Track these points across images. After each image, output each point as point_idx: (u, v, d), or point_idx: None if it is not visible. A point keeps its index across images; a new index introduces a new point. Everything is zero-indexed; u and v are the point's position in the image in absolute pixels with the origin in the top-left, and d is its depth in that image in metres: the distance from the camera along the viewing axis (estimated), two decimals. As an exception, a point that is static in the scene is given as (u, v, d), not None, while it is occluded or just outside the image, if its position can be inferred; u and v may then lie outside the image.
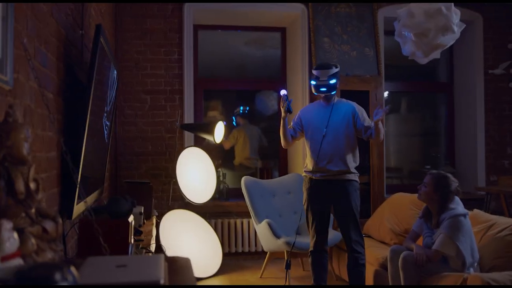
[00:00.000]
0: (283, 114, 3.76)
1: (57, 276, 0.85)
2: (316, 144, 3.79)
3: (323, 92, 3.77)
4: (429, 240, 3.33)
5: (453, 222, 3.20)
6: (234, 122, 6.05)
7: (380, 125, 3.63)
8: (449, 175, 3.41)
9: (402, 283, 3.24)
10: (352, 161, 3.79)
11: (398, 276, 3.31)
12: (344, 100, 3.93)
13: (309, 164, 3.86)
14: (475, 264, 3.23)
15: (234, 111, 6.08)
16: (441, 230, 3.23)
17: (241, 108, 6.12)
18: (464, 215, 3.25)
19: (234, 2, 5.38)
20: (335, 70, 3.76)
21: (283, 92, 3.78)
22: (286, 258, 3.98)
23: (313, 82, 3.78)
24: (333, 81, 3.73)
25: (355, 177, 3.80)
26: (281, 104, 3.75)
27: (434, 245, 3.23)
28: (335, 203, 3.80)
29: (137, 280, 1.20)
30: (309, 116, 3.90)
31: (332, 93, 3.79)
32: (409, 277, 3.22)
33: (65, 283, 0.87)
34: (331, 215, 3.98)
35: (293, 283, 4.42)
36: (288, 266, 3.99)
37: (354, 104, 3.87)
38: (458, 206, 3.31)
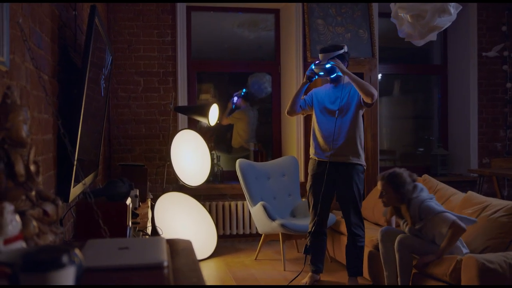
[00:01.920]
0: (304, 79, 3.81)
1: (64, 258, 0.85)
2: (326, 125, 3.80)
3: (321, 76, 3.78)
4: (413, 230, 3.34)
5: (425, 206, 3.24)
6: (233, 105, 5.99)
7: (352, 75, 3.65)
8: (396, 169, 3.40)
9: (398, 265, 3.27)
10: (359, 145, 3.82)
11: (390, 256, 3.35)
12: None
13: (316, 146, 3.88)
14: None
15: (234, 93, 6.01)
16: (423, 221, 3.25)
17: (244, 90, 6.07)
18: (429, 198, 3.33)
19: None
20: (337, 52, 3.76)
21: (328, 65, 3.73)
22: (306, 243, 3.96)
23: (312, 66, 3.79)
24: (328, 65, 3.71)
25: (361, 160, 3.83)
26: (312, 71, 3.75)
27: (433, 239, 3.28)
28: (338, 186, 3.85)
29: (141, 263, 1.20)
30: (320, 97, 3.92)
31: (332, 76, 3.78)
32: (404, 259, 3.25)
33: (72, 266, 0.86)
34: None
35: (287, 265, 4.44)
36: (307, 251, 3.92)
37: None
38: (421, 193, 3.34)
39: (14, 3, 1.72)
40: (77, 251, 0.96)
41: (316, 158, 3.87)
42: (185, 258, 1.35)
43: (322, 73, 3.75)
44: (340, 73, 3.74)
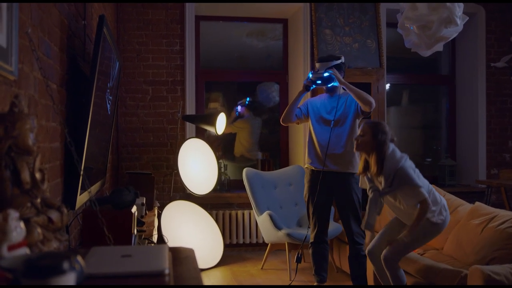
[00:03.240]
0: (302, 88, 3.83)
1: (65, 265, 0.86)
2: (323, 135, 3.81)
3: (318, 85, 3.79)
4: (377, 194, 3.29)
5: (405, 173, 3.17)
6: (237, 113, 6.02)
7: (349, 85, 3.67)
8: (383, 122, 3.39)
9: (391, 280, 3.26)
10: (356, 155, 3.81)
11: (384, 272, 3.33)
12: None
13: (312, 155, 3.87)
14: (441, 208, 3.26)
15: (238, 102, 6.04)
16: (398, 187, 3.20)
17: (248, 99, 6.10)
18: (405, 159, 3.25)
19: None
20: (334, 62, 3.77)
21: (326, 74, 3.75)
22: (297, 251, 3.99)
23: (310, 75, 3.81)
24: (326, 74, 3.72)
25: (357, 169, 3.81)
26: (309, 80, 3.77)
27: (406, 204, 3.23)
28: (336, 195, 3.83)
29: (142, 270, 1.21)
30: (316, 107, 3.92)
31: (328, 85, 3.79)
32: (394, 273, 3.24)
33: (73, 272, 0.87)
34: (332, 208, 4.00)
35: (293, 274, 4.43)
36: (299, 260, 3.98)
37: None
38: (395, 152, 3.27)
39: (23, 8, 1.76)
40: (79, 257, 0.97)
41: (314, 168, 3.85)
42: (187, 266, 1.36)
43: (319, 82, 3.74)
44: (337, 83, 3.76)
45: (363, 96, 3.64)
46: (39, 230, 1.26)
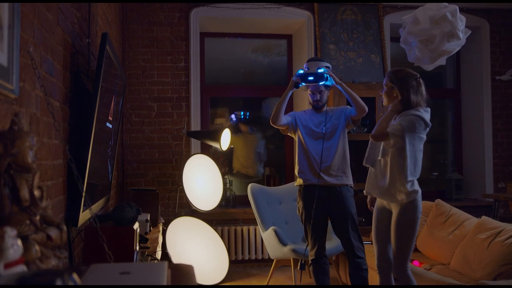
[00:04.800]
0: (290, 85, 3.74)
1: (58, 282, 0.86)
2: (314, 148, 3.78)
3: (310, 81, 3.71)
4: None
5: (412, 119, 3.14)
6: (231, 121, 6.12)
7: (345, 86, 3.66)
8: (408, 69, 3.31)
9: None
10: (347, 167, 3.80)
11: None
12: (334, 107, 3.93)
13: (306, 169, 3.82)
14: (414, 180, 3.19)
15: (235, 112, 6.13)
16: (399, 121, 3.17)
17: (242, 113, 6.15)
18: (424, 121, 3.16)
19: (239, 6, 5.40)
20: (325, 63, 3.76)
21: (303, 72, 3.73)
22: (300, 259, 3.95)
23: (300, 71, 3.74)
24: (320, 70, 3.68)
25: (350, 180, 3.80)
26: (299, 76, 3.71)
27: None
28: (332, 209, 3.76)
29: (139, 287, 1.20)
30: (304, 120, 3.88)
31: (320, 83, 3.72)
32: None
33: (66, 290, 0.87)
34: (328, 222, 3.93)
35: (299, 281, 4.41)
36: (302, 267, 3.93)
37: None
38: (425, 113, 3.19)
39: (25, 27, 1.78)
40: (74, 275, 0.97)
41: (308, 183, 3.78)
42: (185, 283, 1.36)
43: (311, 78, 3.66)
44: (328, 83, 3.70)
45: (358, 100, 3.63)
46: (37, 247, 1.27)
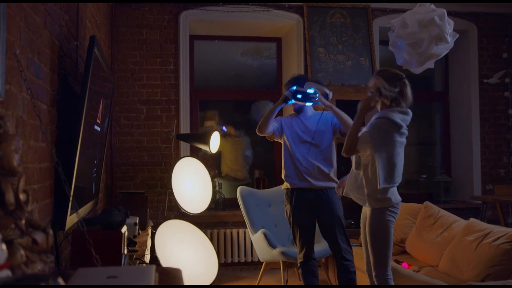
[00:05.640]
0: (280, 100, 3.76)
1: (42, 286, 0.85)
2: (299, 153, 3.79)
3: (297, 99, 3.72)
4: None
5: (379, 123, 3.07)
6: (223, 127, 6.17)
7: (336, 108, 3.67)
8: (394, 70, 3.25)
9: None
10: (334, 170, 3.82)
11: None
12: (321, 112, 3.92)
13: (292, 173, 3.83)
14: (392, 188, 3.11)
15: (223, 128, 6.21)
16: (367, 128, 3.11)
17: (223, 128, 6.24)
18: (396, 124, 3.05)
19: (229, 9, 5.40)
20: (323, 87, 3.78)
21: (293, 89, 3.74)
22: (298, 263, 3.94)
23: (293, 88, 3.75)
24: (310, 91, 3.69)
25: (337, 184, 3.81)
26: (291, 93, 3.71)
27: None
28: (320, 212, 3.77)
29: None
30: (290, 125, 3.89)
31: (306, 103, 3.75)
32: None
33: (50, 295, 0.86)
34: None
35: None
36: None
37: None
38: (394, 113, 3.08)
39: (12, 30, 1.77)
40: (60, 279, 0.96)
41: (294, 187, 3.79)
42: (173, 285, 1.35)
43: (299, 96, 3.68)
44: (312, 103, 3.73)
45: (348, 124, 3.58)
46: (22, 252, 1.26)
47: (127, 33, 5.28)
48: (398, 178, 3.09)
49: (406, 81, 3.17)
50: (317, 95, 3.68)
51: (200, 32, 5.77)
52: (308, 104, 3.76)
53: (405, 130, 3.11)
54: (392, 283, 3.14)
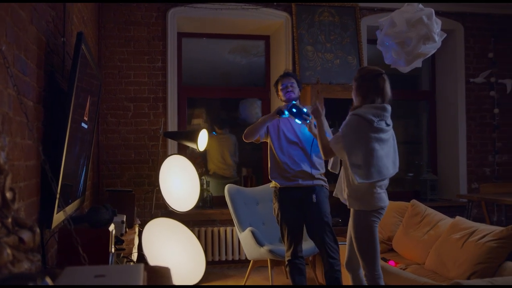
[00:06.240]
0: (275, 115, 3.76)
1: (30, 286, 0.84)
2: (284, 152, 3.80)
3: (291, 113, 3.68)
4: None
5: (349, 120, 3.09)
6: (214, 132, 6.18)
7: (315, 134, 3.51)
8: (373, 67, 3.27)
9: None
10: (321, 168, 3.83)
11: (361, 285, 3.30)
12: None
13: (276, 173, 3.85)
14: (373, 188, 3.08)
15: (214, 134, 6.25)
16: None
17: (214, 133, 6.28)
18: (366, 119, 3.04)
19: (217, 7, 5.38)
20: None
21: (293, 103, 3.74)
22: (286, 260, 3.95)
23: (294, 102, 3.76)
24: (305, 109, 3.68)
25: (324, 182, 3.83)
26: (289, 106, 3.70)
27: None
28: (307, 210, 3.78)
29: (114, 290, 1.19)
30: (275, 124, 3.90)
31: (298, 119, 3.72)
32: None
33: (38, 295, 0.85)
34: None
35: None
36: None
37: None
38: (366, 109, 3.08)
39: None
40: (47, 279, 0.95)
41: (282, 186, 3.81)
42: (162, 285, 1.34)
43: (294, 110, 3.64)
44: (301, 121, 3.69)
45: (321, 147, 3.36)
46: (8, 251, 1.24)
47: (115, 29, 5.24)
48: (378, 174, 3.04)
49: (385, 77, 3.17)
50: (310, 117, 3.64)
51: (188, 29, 5.74)
52: (298, 122, 3.73)
53: (381, 125, 3.08)
54: (382, 282, 3.16)
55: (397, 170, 3.21)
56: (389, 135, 3.18)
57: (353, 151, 3.04)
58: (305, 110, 3.65)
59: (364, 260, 3.13)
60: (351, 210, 3.18)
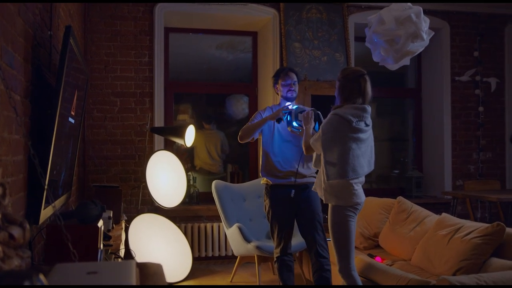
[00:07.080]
0: (273, 118, 3.74)
1: (26, 284, 0.82)
2: (277, 148, 3.79)
3: (287, 118, 3.70)
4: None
5: (328, 120, 3.16)
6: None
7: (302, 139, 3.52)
8: (355, 67, 3.37)
9: None
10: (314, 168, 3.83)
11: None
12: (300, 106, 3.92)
13: (268, 170, 3.83)
14: (351, 184, 3.14)
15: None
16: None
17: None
18: (345, 119, 3.10)
19: (205, 2, 5.36)
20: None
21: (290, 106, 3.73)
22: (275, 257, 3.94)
23: (295, 107, 3.74)
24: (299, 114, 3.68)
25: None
26: (287, 112, 3.69)
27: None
28: (299, 208, 3.77)
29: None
30: (273, 124, 3.86)
31: (289, 126, 3.72)
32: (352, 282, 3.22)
33: (34, 292, 0.84)
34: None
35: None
36: None
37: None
38: (346, 109, 3.15)
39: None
40: (41, 276, 0.94)
41: (274, 183, 3.79)
42: (154, 282, 1.33)
43: (289, 118, 3.65)
44: (292, 130, 3.70)
45: (304, 145, 3.44)
46: (-1, 247, 1.22)
47: (101, 23, 5.19)
48: (353, 172, 3.11)
49: (367, 78, 3.27)
50: (300, 130, 3.62)
51: (175, 24, 5.71)
52: (288, 128, 3.72)
53: (360, 125, 3.16)
54: (356, 274, 3.19)
55: (372, 168, 3.29)
56: (368, 134, 3.27)
57: (329, 149, 3.12)
58: (296, 124, 3.64)
59: (340, 254, 3.18)
60: (329, 205, 3.22)
